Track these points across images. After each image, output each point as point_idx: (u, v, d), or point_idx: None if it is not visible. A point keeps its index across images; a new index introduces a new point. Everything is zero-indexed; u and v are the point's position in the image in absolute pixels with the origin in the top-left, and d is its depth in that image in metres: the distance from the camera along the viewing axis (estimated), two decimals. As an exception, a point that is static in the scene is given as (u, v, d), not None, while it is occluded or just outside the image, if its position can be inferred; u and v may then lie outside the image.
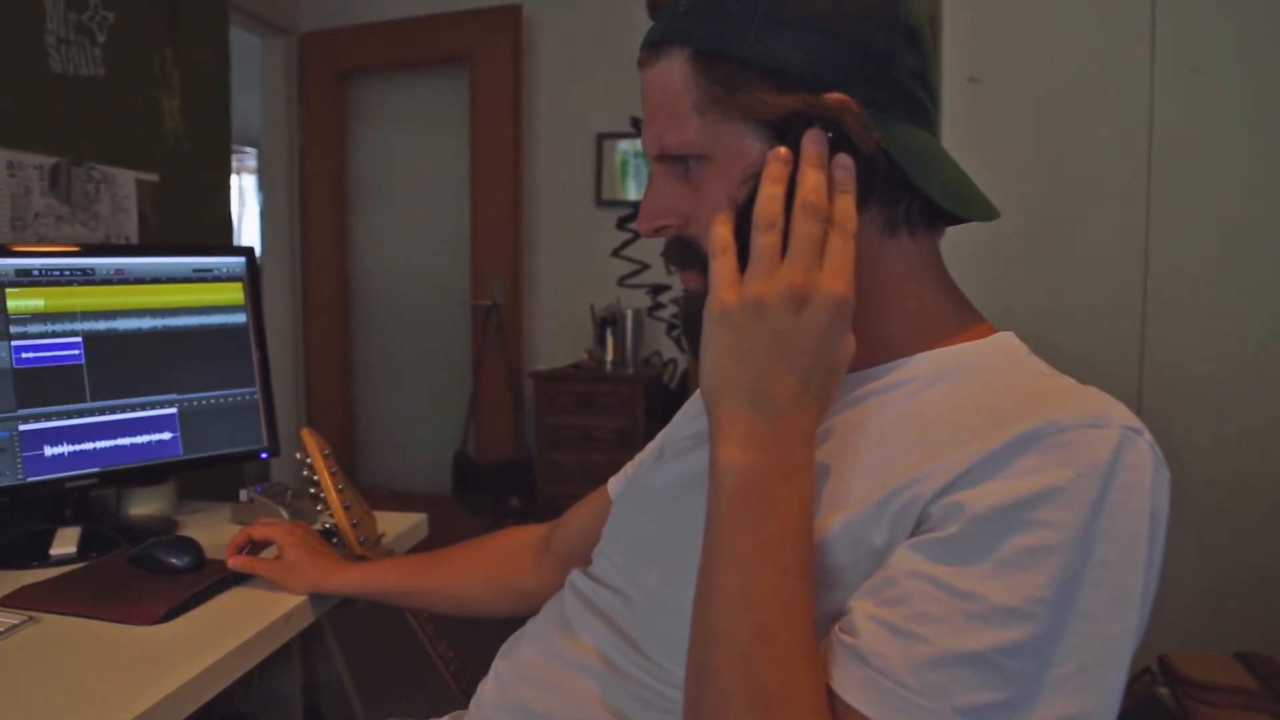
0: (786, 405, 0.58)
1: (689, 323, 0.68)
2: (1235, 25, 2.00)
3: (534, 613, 0.86)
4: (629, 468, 0.94)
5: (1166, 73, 2.02)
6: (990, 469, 0.55)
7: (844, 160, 0.60)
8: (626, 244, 3.63)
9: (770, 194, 0.59)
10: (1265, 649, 1.74)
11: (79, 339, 1.32)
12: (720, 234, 0.61)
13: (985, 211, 0.67)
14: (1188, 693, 1.67)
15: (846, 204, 0.60)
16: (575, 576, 0.82)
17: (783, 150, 0.60)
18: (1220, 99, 2.01)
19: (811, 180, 0.59)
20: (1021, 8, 2.12)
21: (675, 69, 0.65)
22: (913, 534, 0.57)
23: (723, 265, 0.60)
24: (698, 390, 0.93)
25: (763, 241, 0.59)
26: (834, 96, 0.61)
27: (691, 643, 0.58)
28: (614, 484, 0.95)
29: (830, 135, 0.60)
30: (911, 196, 0.66)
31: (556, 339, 3.73)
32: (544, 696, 0.74)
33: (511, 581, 1.02)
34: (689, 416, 0.89)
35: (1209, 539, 2.03)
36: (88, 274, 1.34)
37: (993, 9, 2.11)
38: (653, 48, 0.67)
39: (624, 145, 3.60)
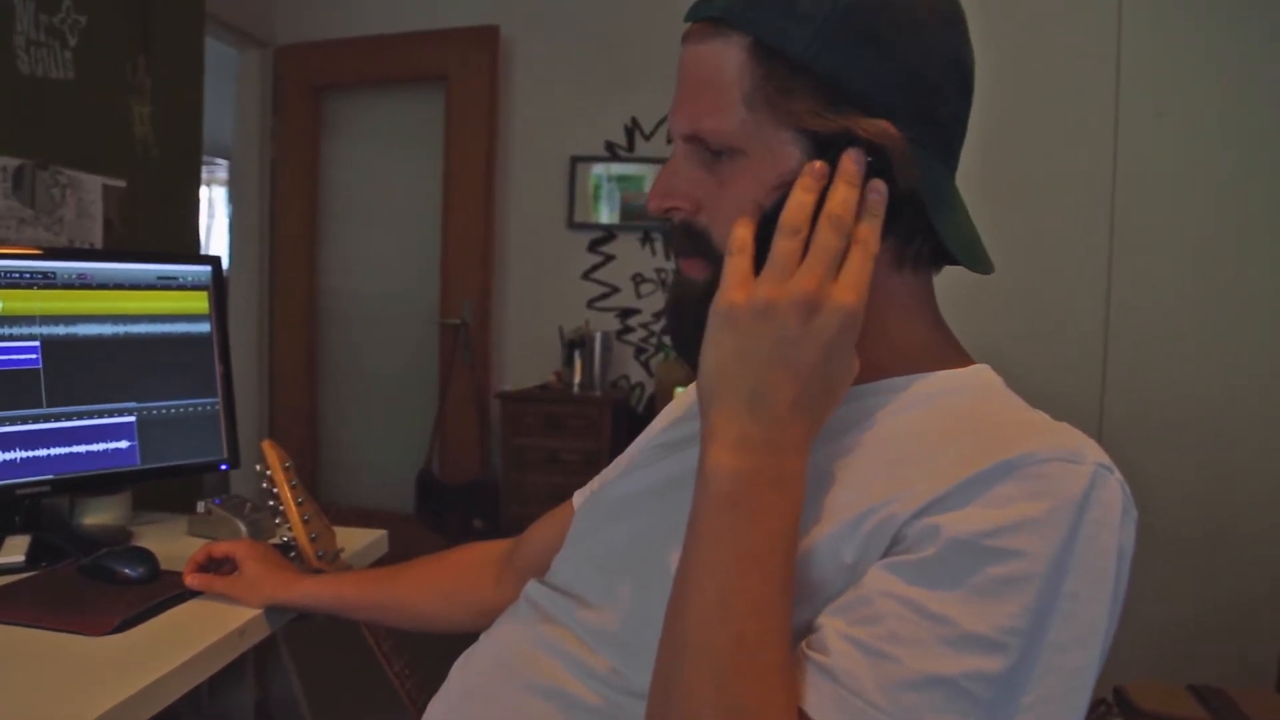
0: (783, 412, 0.57)
1: (676, 312, 0.67)
2: (1197, 70, 2.06)
3: None
4: (594, 482, 0.94)
5: (1130, 115, 2.07)
6: (967, 495, 0.56)
7: (878, 185, 0.60)
8: (597, 267, 3.64)
9: (800, 201, 0.59)
10: (1216, 682, 1.76)
11: (37, 343, 1.30)
12: (741, 235, 0.60)
13: (986, 265, 0.67)
14: (1142, 724, 1.69)
15: (873, 225, 0.59)
16: (531, 586, 0.81)
17: (819, 165, 0.59)
18: (1182, 141, 2.06)
19: (842, 194, 0.58)
20: (992, 48, 2.16)
21: (731, 54, 0.62)
22: (886, 554, 0.57)
23: (737, 264, 0.59)
24: (670, 403, 0.93)
25: (783, 246, 0.58)
26: (883, 124, 0.60)
27: (661, 650, 0.57)
28: (579, 496, 0.94)
29: (870, 159, 0.60)
30: (925, 236, 0.66)
31: (524, 360, 3.71)
32: (493, 711, 0.73)
33: (472, 596, 1.01)
34: (659, 428, 0.88)
35: (1165, 575, 2.06)
36: (48, 277, 1.32)
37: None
38: (710, 23, 0.63)
39: (597, 169, 3.62)
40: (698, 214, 0.66)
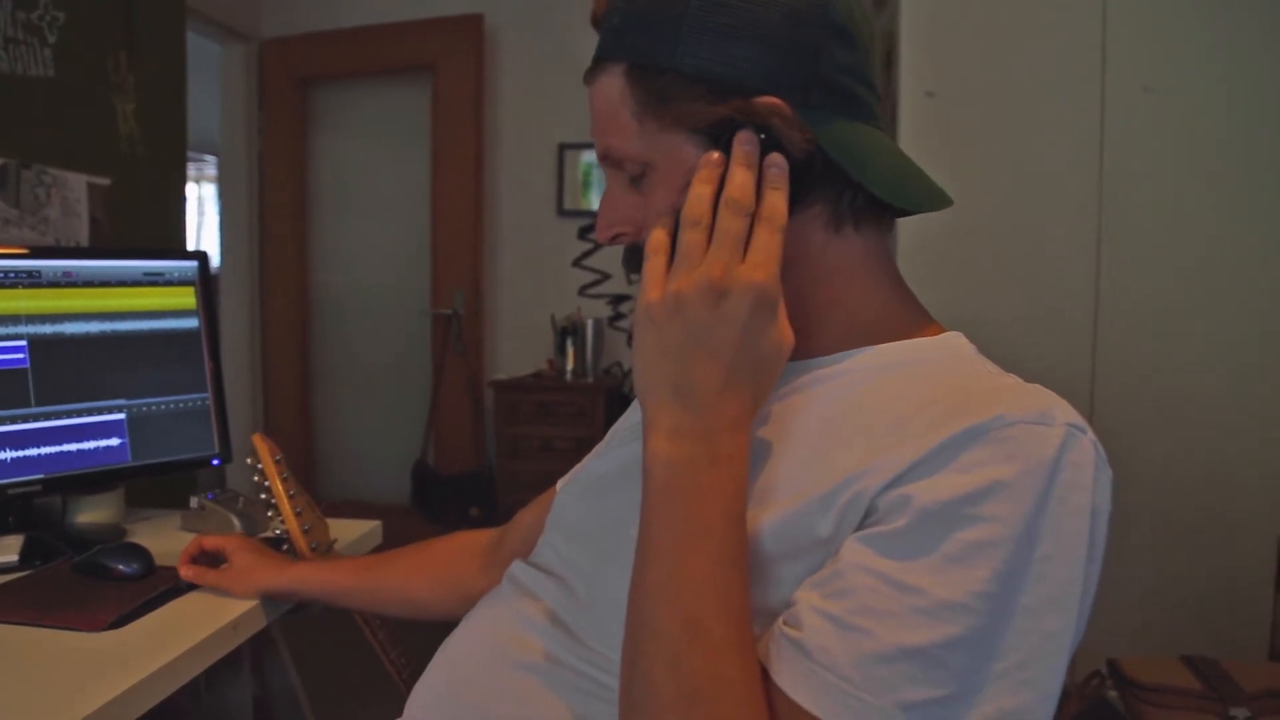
0: (711, 397, 0.59)
1: None
2: (1184, 46, 2.05)
3: None
4: (577, 467, 0.94)
5: (1117, 91, 2.06)
6: (937, 463, 0.56)
7: (775, 159, 0.62)
8: (588, 254, 3.64)
9: (698, 194, 0.61)
10: (1210, 652, 1.78)
11: (24, 342, 1.30)
12: (656, 237, 0.62)
13: (931, 201, 0.68)
14: (1136, 695, 1.70)
15: (776, 199, 0.61)
16: (515, 566, 0.82)
17: (715, 155, 0.62)
18: (1169, 117, 2.06)
19: (738, 178, 0.61)
20: (977, 24, 2.16)
21: (614, 83, 0.66)
22: (861, 526, 0.57)
23: (652, 266, 0.62)
24: None
25: (687, 239, 0.60)
26: (763, 100, 0.62)
27: (625, 633, 0.59)
28: (562, 481, 0.94)
29: (762, 137, 0.62)
30: (854, 191, 0.67)
31: (517, 349, 3.72)
32: (477, 689, 0.74)
33: (460, 583, 1.01)
34: (635, 408, 0.89)
35: (1158, 547, 2.07)
36: (34, 276, 1.32)
37: (950, 26, 2.15)
38: (595, 63, 0.69)
39: (586, 155, 3.61)
40: (640, 234, 0.69)
